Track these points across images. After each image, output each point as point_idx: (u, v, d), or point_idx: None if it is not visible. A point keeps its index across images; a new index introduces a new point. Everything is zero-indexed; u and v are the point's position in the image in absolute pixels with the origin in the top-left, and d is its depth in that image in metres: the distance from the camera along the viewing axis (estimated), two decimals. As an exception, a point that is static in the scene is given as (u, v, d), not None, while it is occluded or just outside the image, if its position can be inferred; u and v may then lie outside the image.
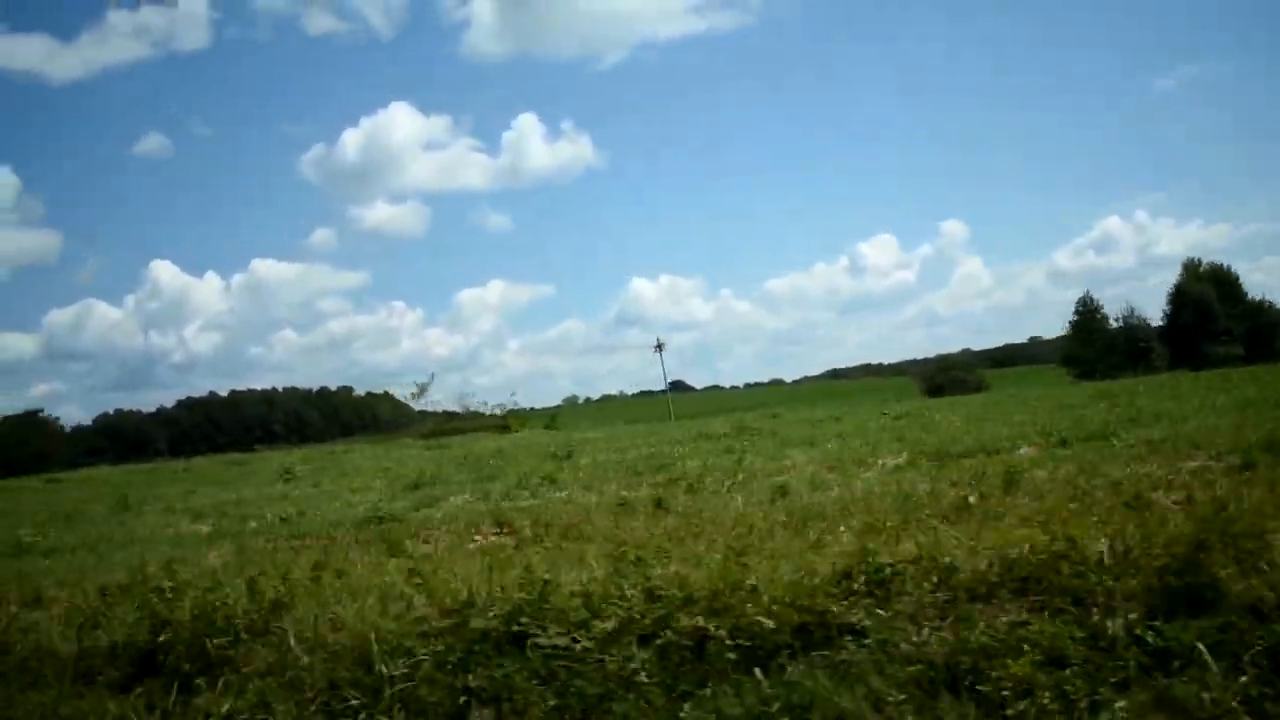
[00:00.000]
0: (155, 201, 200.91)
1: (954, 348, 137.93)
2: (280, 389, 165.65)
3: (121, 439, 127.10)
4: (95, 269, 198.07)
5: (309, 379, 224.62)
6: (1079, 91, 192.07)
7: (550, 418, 79.62)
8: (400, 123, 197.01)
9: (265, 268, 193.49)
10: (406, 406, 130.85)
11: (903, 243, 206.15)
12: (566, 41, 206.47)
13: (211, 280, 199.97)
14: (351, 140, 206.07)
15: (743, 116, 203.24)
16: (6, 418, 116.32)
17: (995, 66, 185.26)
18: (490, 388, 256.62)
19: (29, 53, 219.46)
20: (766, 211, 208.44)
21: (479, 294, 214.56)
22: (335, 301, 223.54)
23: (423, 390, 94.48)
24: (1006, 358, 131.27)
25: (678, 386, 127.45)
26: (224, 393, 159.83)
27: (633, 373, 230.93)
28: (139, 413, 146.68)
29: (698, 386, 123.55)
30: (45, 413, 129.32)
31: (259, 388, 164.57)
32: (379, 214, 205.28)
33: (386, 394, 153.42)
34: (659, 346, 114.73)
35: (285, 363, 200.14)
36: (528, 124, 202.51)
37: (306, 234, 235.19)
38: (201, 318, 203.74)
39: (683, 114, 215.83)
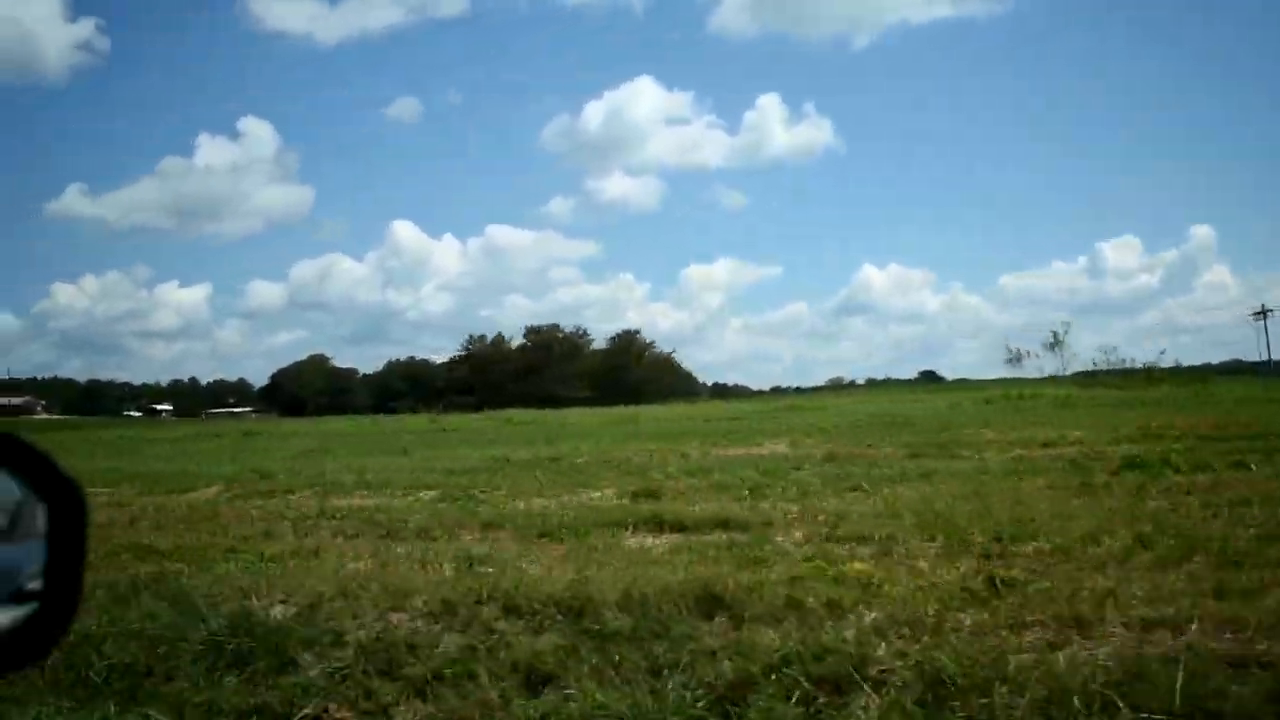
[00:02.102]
0: (401, 163, 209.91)
1: (1194, 358, 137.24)
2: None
3: (421, 385, 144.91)
4: (341, 225, 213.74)
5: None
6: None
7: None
8: (643, 97, 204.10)
9: (501, 233, 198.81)
10: (688, 373, 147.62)
11: (1146, 244, 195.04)
12: (818, 23, 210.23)
13: (449, 242, 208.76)
14: (594, 112, 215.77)
15: (987, 107, 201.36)
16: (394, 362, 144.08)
17: (1257, 70, 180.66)
18: (711, 365, 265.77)
19: (299, 14, 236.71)
20: (1005, 206, 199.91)
21: (707, 271, 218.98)
22: (566, 270, 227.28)
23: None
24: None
25: (930, 377, 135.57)
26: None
27: (851, 362, 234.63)
28: (429, 362, 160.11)
29: (948, 377, 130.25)
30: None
31: None
32: (616, 186, 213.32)
33: (669, 357, 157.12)
34: (1263, 313, 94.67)
35: (515, 327, 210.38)
36: (770, 104, 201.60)
37: (543, 202, 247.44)
38: (437, 278, 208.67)
39: (927, 101, 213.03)
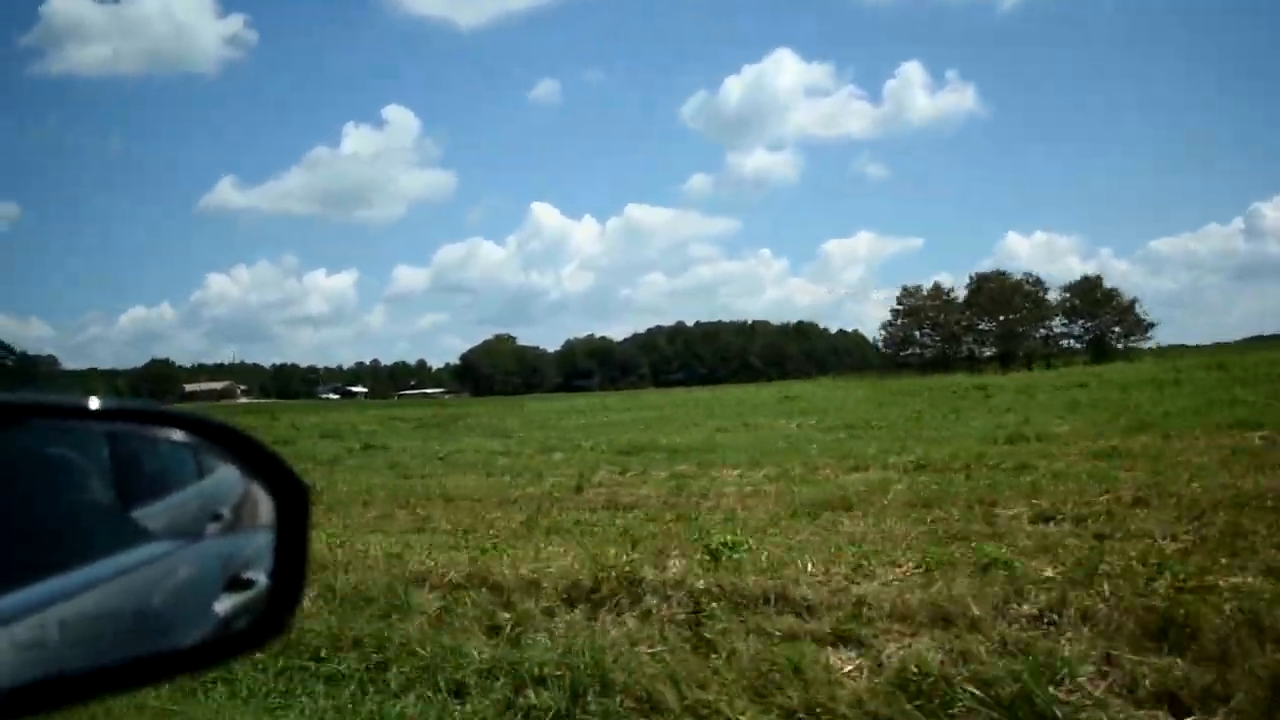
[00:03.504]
0: (542, 146, 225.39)
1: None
2: (751, 321, 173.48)
3: (609, 363, 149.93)
4: (483, 209, 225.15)
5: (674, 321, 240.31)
6: None
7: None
8: (784, 69, 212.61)
9: (639, 212, 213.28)
10: (874, 345, 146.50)
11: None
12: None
13: (588, 223, 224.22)
14: (734, 87, 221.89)
15: (1136, 69, 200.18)
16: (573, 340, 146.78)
17: None
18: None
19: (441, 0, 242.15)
20: (1155, 168, 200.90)
21: (847, 245, 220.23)
22: (705, 247, 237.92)
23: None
24: None
25: (1098, 346, 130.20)
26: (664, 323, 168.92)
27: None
28: (610, 339, 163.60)
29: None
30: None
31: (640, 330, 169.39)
32: (756, 161, 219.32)
33: (856, 332, 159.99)
34: None
35: (652, 305, 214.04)
36: (912, 72, 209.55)
37: (682, 180, 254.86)
38: (577, 259, 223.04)
39: (1074, 64, 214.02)
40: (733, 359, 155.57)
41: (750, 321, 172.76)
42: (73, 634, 1.13)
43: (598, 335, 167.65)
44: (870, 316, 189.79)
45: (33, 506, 1.19)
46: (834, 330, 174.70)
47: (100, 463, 1.27)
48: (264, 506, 1.30)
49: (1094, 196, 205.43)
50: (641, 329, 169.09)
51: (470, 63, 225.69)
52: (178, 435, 1.30)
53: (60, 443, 1.24)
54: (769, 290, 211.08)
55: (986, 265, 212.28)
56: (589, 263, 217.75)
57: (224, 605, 1.28)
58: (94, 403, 1.24)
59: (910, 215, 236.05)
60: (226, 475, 1.32)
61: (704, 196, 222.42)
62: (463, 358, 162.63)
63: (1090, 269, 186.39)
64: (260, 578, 1.29)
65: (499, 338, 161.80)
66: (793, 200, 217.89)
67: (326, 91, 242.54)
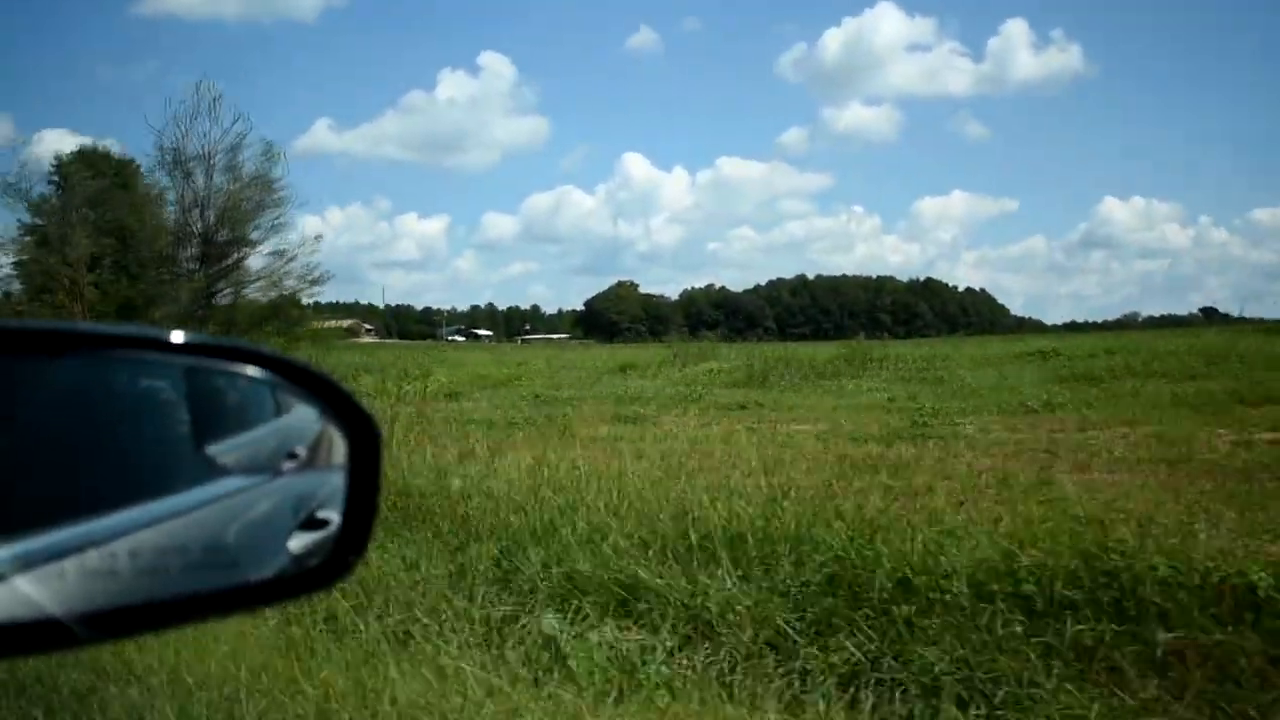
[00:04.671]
0: (637, 95, 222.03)
1: None
2: (875, 276, 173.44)
3: (737, 314, 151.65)
4: (575, 158, 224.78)
5: (762, 278, 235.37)
6: None
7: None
8: (885, 23, 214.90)
9: (731, 165, 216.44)
10: (1005, 308, 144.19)
11: None
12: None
13: (679, 175, 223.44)
14: (833, 40, 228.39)
15: (1245, 30, 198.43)
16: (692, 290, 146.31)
17: None
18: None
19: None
20: (1262, 132, 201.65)
21: (941, 203, 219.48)
22: (796, 203, 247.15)
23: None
24: None
25: (1210, 314, 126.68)
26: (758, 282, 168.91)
27: (1091, 298, 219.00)
28: (729, 290, 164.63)
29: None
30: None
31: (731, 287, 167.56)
32: (852, 116, 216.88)
33: (984, 290, 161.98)
34: None
35: (740, 259, 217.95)
36: (1016, 30, 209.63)
37: (777, 134, 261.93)
38: (667, 211, 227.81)
39: (1184, 25, 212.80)
40: (860, 314, 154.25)
41: (875, 276, 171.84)
42: (144, 564, 1.15)
43: (717, 286, 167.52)
44: (962, 278, 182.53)
45: (111, 436, 1.22)
46: (961, 288, 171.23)
47: (179, 396, 1.29)
48: (339, 447, 1.31)
49: (1196, 162, 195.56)
50: (725, 284, 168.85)
51: (570, 8, 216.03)
52: (255, 372, 1.32)
53: (141, 374, 1.27)
54: (859, 247, 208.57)
55: (1083, 230, 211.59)
56: (679, 215, 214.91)
57: (297, 543, 1.30)
58: (177, 336, 1.27)
59: (1006, 176, 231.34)
60: (303, 414, 1.33)
61: (797, 151, 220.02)
62: (586, 304, 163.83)
63: (1187, 237, 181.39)
64: (334, 517, 1.31)
65: (622, 284, 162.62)
66: (887, 157, 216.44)
67: (424, 35, 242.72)
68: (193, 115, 35.69)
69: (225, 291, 37.00)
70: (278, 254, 36.68)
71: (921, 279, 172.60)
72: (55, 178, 38.64)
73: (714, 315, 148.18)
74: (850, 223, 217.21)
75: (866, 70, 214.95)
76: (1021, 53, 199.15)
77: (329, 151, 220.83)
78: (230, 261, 36.87)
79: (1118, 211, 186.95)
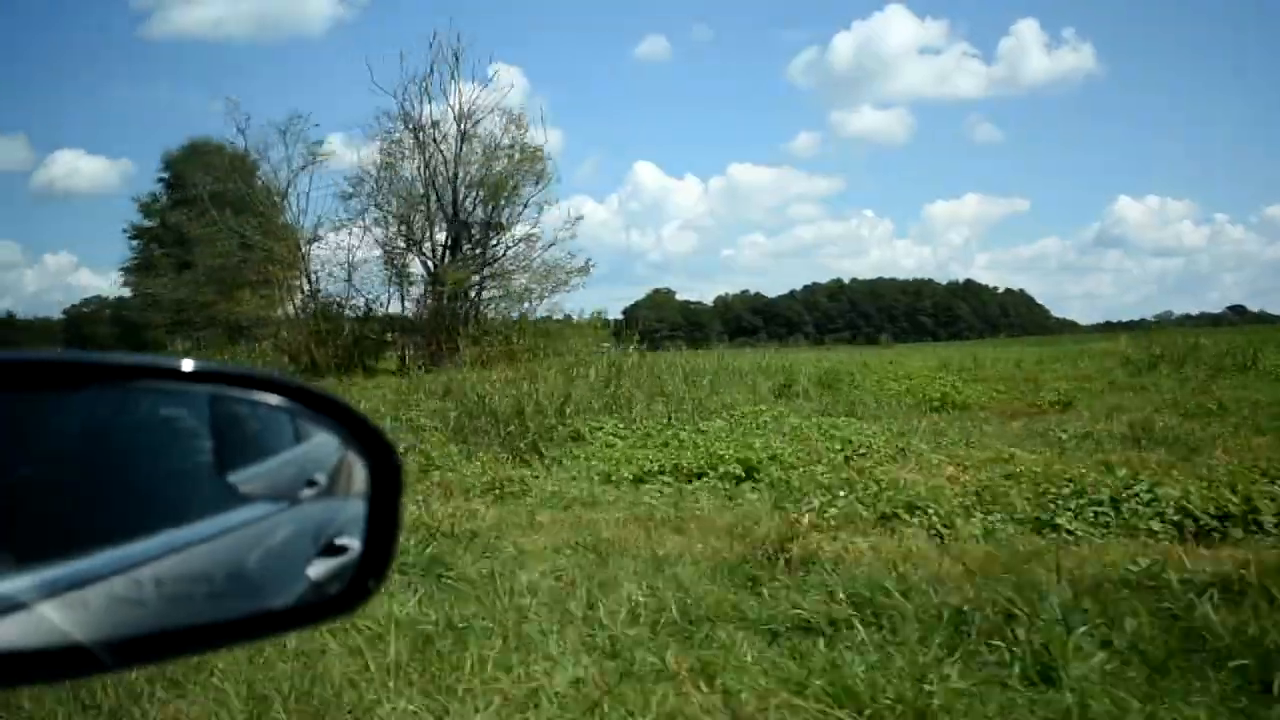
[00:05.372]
0: (647, 103, 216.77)
1: None
2: (914, 279, 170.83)
3: (775, 319, 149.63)
4: (587, 167, 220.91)
5: (774, 284, 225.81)
6: None
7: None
8: (895, 26, 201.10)
9: (742, 171, 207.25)
10: (1045, 309, 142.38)
11: None
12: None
13: (690, 182, 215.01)
14: (843, 44, 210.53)
15: (1260, 25, 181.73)
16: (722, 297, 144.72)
17: None
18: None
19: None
20: (1277, 129, 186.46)
21: (952, 206, 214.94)
22: (807, 207, 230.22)
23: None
24: None
25: (1239, 312, 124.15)
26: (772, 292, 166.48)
27: (1107, 297, 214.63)
28: (764, 295, 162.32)
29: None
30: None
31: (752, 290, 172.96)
32: (863, 120, 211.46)
33: (1022, 292, 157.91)
34: None
35: (753, 265, 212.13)
36: (1028, 30, 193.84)
37: (787, 139, 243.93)
38: (679, 219, 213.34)
39: (1200, 20, 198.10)
40: (900, 317, 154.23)
41: (914, 279, 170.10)
42: (168, 591, 1.18)
43: (752, 291, 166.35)
44: (976, 280, 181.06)
45: (134, 465, 1.25)
46: (1000, 289, 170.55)
47: (201, 424, 1.32)
48: (359, 475, 1.33)
49: (1210, 159, 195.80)
50: (739, 291, 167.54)
51: (577, 17, 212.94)
52: (275, 400, 1.34)
53: (162, 403, 1.30)
54: (872, 252, 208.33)
55: (1096, 229, 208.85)
56: (691, 222, 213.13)
57: (317, 569, 1.32)
58: (197, 365, 1.29)
59: (1018, 177, 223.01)
60: (323, 441, 1.35)
61: (808, 155, 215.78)
62: (625, 311, 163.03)
63: (1202, 235, 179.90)
64: (354, 543, 1.33)
65: (659, 291, 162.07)
66: (898, 160, 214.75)
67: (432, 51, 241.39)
68: (427, 74, 31.91)
69: (491, 290, 33.35)
70: (530, 239, 32.87)
71: (961, 280, 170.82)
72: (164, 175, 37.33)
73: (752, 321, 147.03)
74: (861, 227, 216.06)
75: (877, 73, 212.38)
76: (1033, 53, 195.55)
77: (341, 166, 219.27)
78: (496, 245, 33.10)
79: (1131, 210, 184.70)
